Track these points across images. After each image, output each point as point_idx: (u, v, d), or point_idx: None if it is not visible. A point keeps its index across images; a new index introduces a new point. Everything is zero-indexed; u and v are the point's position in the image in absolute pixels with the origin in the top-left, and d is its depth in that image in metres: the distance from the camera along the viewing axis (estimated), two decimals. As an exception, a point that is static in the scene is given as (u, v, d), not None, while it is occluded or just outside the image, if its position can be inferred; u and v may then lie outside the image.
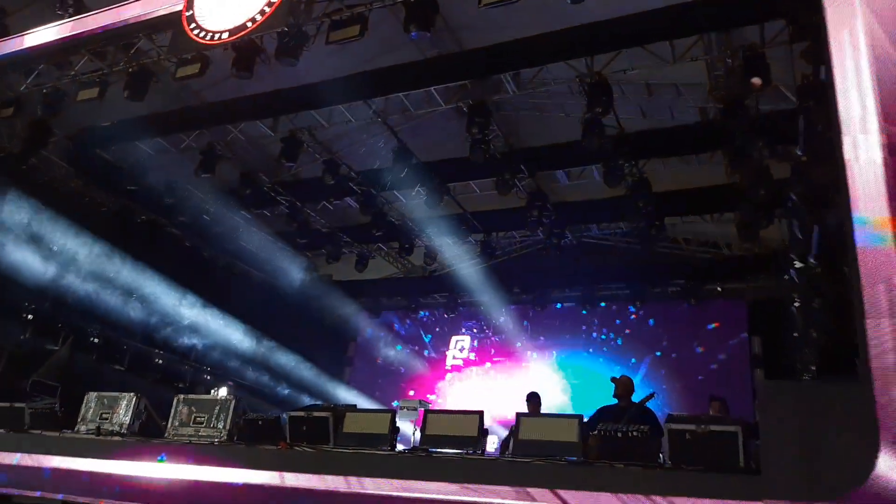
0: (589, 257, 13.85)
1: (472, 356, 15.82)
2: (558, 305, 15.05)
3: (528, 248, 14.99)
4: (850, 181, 4.49)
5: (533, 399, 8.10)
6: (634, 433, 4.45)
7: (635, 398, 6.86)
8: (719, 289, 13.38)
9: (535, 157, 11.23)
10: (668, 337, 13.86)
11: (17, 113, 10.02)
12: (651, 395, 6.57)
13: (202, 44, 7.77)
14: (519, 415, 4.98)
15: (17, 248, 10.72)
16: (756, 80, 7.79)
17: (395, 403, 11.28)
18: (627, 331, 14.23)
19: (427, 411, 5.40)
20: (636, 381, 7.28)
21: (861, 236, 4.36)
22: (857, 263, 4.28)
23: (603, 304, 14.46)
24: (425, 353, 16.36)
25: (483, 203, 12.96)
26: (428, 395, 15.55)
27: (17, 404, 7.34)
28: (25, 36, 9.54)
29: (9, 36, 9.66)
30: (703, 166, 11.33)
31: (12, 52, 9.54)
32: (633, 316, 14.27)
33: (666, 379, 13.50)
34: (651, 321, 14.13)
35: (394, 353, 16.54)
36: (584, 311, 14.51)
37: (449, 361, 16.00)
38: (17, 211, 10.77)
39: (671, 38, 8.40)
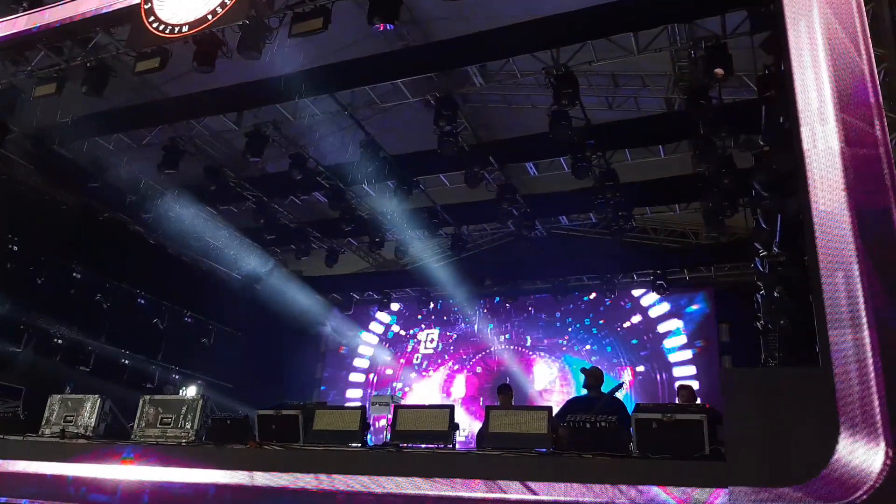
0: (559, 248, 13.94)
1: (442, 348, 15.86)
2: (530, 297, 15.15)
3: (499, 241, 15.04)
4: (808, 170, 4.58)
5: (504, 391, 8.13)
6: (603, 423, 4.50)
7: (605, 388, 6.92)
8: (687, 278, 13.59)
9: (503, 149, 11.23)
10: (639, 326, 14.05)
11: (-29, 110, 9.73)
12: (620, 386, 6.65)
13: (162, 37, 7.62)
14: (489, 408, 5.00)
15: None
16: (719, 71, 7.88)
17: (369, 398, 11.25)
18: (601, 321, 14.39)
19: (397, 406, 5.39)
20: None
21: (819, 224, 4.45)
22: (816, 252, 4.36)
23: (574, 294, 14.59)
24: (398, 347, 16.34)
25: (453, 196, 12.94)
26: (400, 390, 15.56)
27: (-24, 410, 7.18)
28: (-22, 30, 9.26)
29: (-40, 30, 9.35)
30: (670, 156, 11.47)
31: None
32: (604, 306, 14.44)
33: (637, 368, 13.71)
34: (622, 311, 14.31)
35: (366, 347, 16.50)
36: (556, 302, 14.63)
37: (420, 354, 16.02)
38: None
39: (635, 30, 8.48)
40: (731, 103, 9.46)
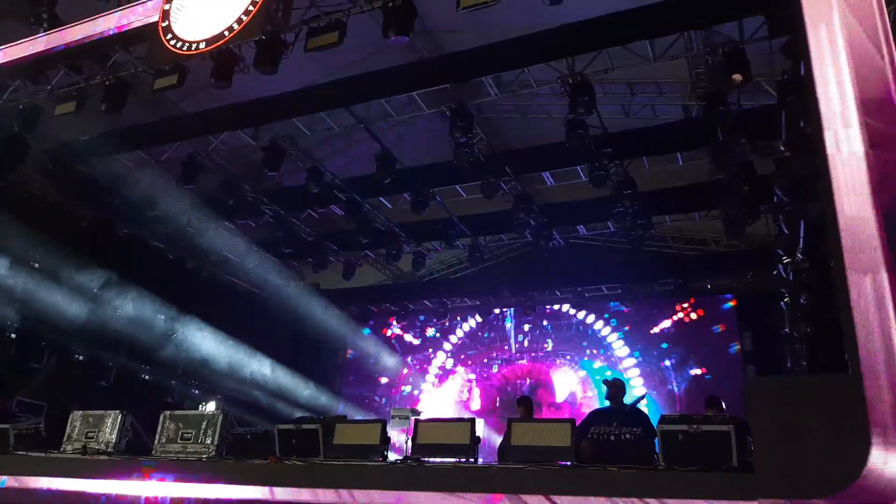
0: (577, 258, 13.84)
1: (458, 359, 15.79)
2: (546, 307, 15.07)
3: (517, 251, 14.97)
4: (832, 175, 4.49)
5: (524, 403, 8.03)
6: (627, 436, 4.42)
7: (628, 400, 6.82)
8: (709, 286, 13.43)
9: (519, 159, 11.21)
10: (660, 336, 13.89)
11: (-6, 128, 9.88)
12: (643, 397, 6.54)
13: (179, 54, 7.69)
14: (510, 421, 4.93)
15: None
16: (737, 77, 7.80)
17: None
18: (625, 329, 14.24)
19: (417, 420, 5.33)
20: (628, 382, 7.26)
21: (846, 230, 4.35)
22: (843, 257, 4.27)
23: (593, 304, 14.46)
24: (417, 359, 16.29)
25: (469, 207, 12.93)
26: (420, 403, 15.49)
27: (1, 425, 7.21)
28: (1, 51, 9.42)
29: (-17, 52, 9.52)
30: (688, 164, 11.37)
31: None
32: (623, 315, 14.31)
33: (659, 379, 13.54)
34: (641, 321, 14.16)
35: (385, 360, 16.46)
36: (575, 312, 14.52)
37: (436, 365, 15.98)
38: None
39: (651, 37, 8.41)
40: (749, 109, 9.37)
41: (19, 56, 9.34)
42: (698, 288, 13.46)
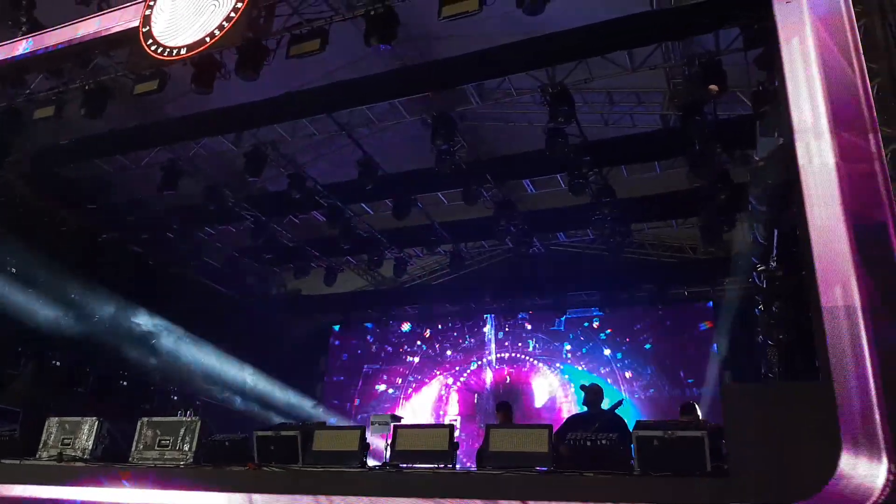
0: (558, 265, 13.95)
1: (438, 364, 15.83)
2: (527, 314, 15.15)
3: (498, 258, 15.05)
4: (804, 185, 4.60)
5: (503, 409, 8.07)
6: (603, 441, 4.47)
7: (605, 405, 6.89)
8: (686, 293, 13.60)
9: (501, 166, 11.29)
10: (638, 341, 14.03)
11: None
12: (619, 403, 6.61)
13: (160, 59, 7.67)
14: (489, 426, 4.97)
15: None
16: (713, 87, 7.95)
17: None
18: (600, 336, 14.37)
19: (397, 426, 5.34)
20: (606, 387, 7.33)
21: (817, 239, 4.46)
22: (814, 266, 4.37)
23: (572, 310, 14.58)
24: (396, 364, 16.28)
25: (451, 213, 12.97)
26: (398, 408, 15.50)
27: (-25, 432, 7.13)
28: (-23, 54, 9.33)
29: (-40, 54, 9.41)
30: (666, 172, 11.52)
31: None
32: (599, 321, 14.44)
33: (637, 384, 13.67)
34: (619, 327, 14.29)
35: (366, 366, 16.44)
36: (556, 318, 14.62)
37: (415, 371, 16.00)
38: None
39: (630, 48, 8.55)
40: (725, 119, 9.52)
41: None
42: (676, 294, 13.62)
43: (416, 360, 16.14)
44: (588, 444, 4.47)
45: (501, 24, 8.30)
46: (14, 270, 11.05)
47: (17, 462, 6.58)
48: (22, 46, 9.22)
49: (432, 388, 15.69)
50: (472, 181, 11.04)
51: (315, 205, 12.33)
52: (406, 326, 16.48)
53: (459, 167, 10.56)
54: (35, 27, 9.37)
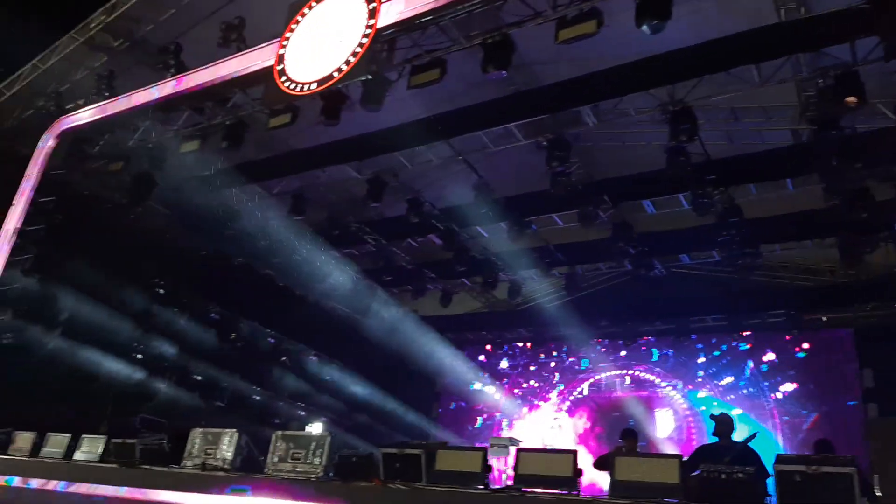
0: (680, 288, 13.40)
1: (553, 388, 15.61)
2: (647, 338, 14.66)
3: (615, 280, 14.70)
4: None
5: (629, 436, 7.85)
6: (740, 475, 4.24)
7: (737, 437, 6.55)
8: (824, 318, 12.65)
9: (618, 186, 11.06)
10: (770, 368, 13.20)
11: (126, 167, 10.82)
12: (754, 436, 6.25)
13: (293, 95, 8.17)
14: (615, 454, 4.86)
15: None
16: (851, 100, 7.46)
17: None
18: (728, 362, 13.65)
19: (519, 450, 5.33)
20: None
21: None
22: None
23: (697, 335, 13.92)
24: (512, 388, 16.22)
25: (566, 235, 12.87)
26: (509, 431, 15.41)
27: (129, 440, 7.77)
28: (132, 95, 10.33)
29: (117, 96, 10.48)
30: (799, 190, 10.87)
31: (121, 111, 10.35)
32: (727, 347, 13.72)
33: (770, 413, 12.86)
34: (749, 353, 13.52)
35: (481, 388, 16.49)
36: (680, 343, 14.04)
37: (529, 394, 15.86)
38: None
39: (756, 62, 8.18)
40: (865, 132, 8.89)
41: (149, 99, 10.21)
42: (812, 321, 12.71)
43: (530, 382, 16.02)
44: (723, 476, 4.25)
45: (616, 47, 8.23)
46: (161, 291, 12.09)
47: (166, 469, 7.12)
48: (170, 87, 10.13)
49: (544, 412, 15.50)
50: (588, 202, 10.92)
51: (432, 228, 12.63)
52: (519, 349, 16.41)
53: (575, 188, 10.47)
54: (181, 69, 10.28)
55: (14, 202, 10.62)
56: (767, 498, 4.43)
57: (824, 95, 8.33)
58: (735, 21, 7.60)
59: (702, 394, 13.70)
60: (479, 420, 16.24)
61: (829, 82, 7.96)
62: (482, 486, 5.25)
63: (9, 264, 10.20)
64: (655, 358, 14.50)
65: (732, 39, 7.46)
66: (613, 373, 14.99)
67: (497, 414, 16.11)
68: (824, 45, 7.70)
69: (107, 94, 10.46)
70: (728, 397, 13.32)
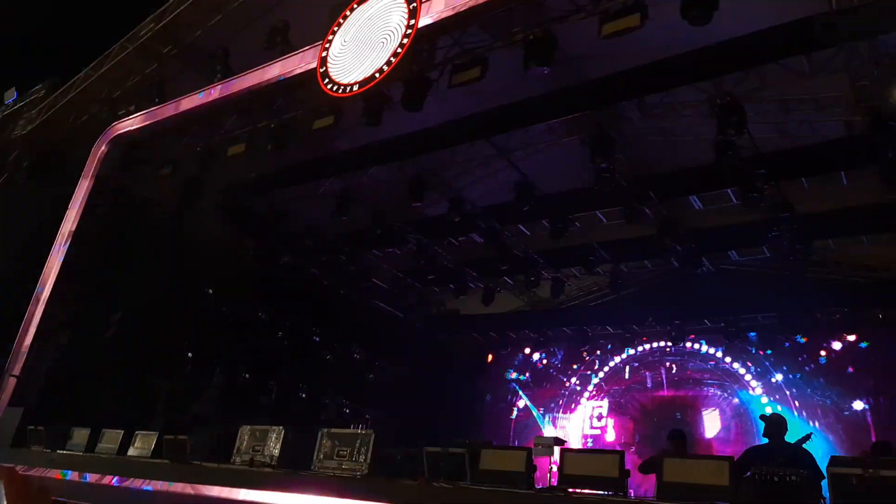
0: (729, 285, 13.06)
1: (596, 386, 15.44)
2: (695, 336, 14.37)
3: (661, 278, 14.44)
4: None
5: (677, 437, 7.69)
6: (793, 478, 4.11)
7: (789, 437, 6.37)
8: (881, 315, 12.19)
9: (664, 182, 10.88)
10: (825, 368, 12.80)
11: (175, 172, 11.09)
12: (808, 437, 6.06)
13: (336, 97, 8.25)
14: (663, 455, 4.77)
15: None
16: (909, 89, 7.16)
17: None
18: (781, 361, 13.28)
19: (564, 450, 5.28)
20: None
21: None
22: None
23: (748, 334, 13.56)
24: (555, 386, 16.11)
25: (610, 232, 12.68)
26: (560, 431, 15.30)
27: (180, 436, 7.97)
28: (181, 100, 10.58)
29: (167, 101, 10.76)
30: (854, 183, 10.48)
31: (170, 116, 10.62)
32: (777, 345, 13.36)
33: (821, 419, 12.47)
34: (802, 351, 13.13)
35: (523, 387, 16.42)
36: (729, 342, 13.72)
37: (571, 393, 15.73)
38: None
39: (809, 52, 7.91)
40: (922, 122, 8.51)
41: (197, 104, 10.45)
42: (869, 318, 12.25)
43: (573, 380, 15.89)
44: (776, 479, 4.13)
45: (661, 38, 8.05)
46: (211, 291, 12.37)
47: (216, 465, 7.28)
48: (217, 91, 10.33)
49: (587, 411, 15.35)
50: (632, 199, 10.75)
51: (473, 227, 12.62)
52: (561, 347, 16.29)
53: (619, 185, 10.32)
54: (228, 73, 10.48)
55: (69, 206, 11.00)
56: (822, 501, 4.29)
57: (879, 85, 8.02)
58: (783, 9, 7.36)
59: (751, 393, 13.37)
60: (522, 418, 16.17)
61: (884, 71, 7.65)
62: (527, 487, 5.21)
63: (63, 266, 10.54)
64: (703, 356, 14.20)
65: (781, 29, 7.23)
66: (659, 371, 14.75)
67: (538, 412, 16.02)
68: (879, 33, 7.40)
69: (157, 99, 10.73)
70: (776, 396, 12.97)
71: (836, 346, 12.71)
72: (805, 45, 7.58)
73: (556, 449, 6.17)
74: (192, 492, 7.00)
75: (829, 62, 8.13)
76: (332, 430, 6.65)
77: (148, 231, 11.60)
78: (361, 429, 8.26)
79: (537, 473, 5.50)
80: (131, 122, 11.04)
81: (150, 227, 11.69)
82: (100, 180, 11.17)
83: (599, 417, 15.12)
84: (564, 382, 16.01)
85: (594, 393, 15.49)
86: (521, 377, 16.56)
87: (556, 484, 5.11)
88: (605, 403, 15.21)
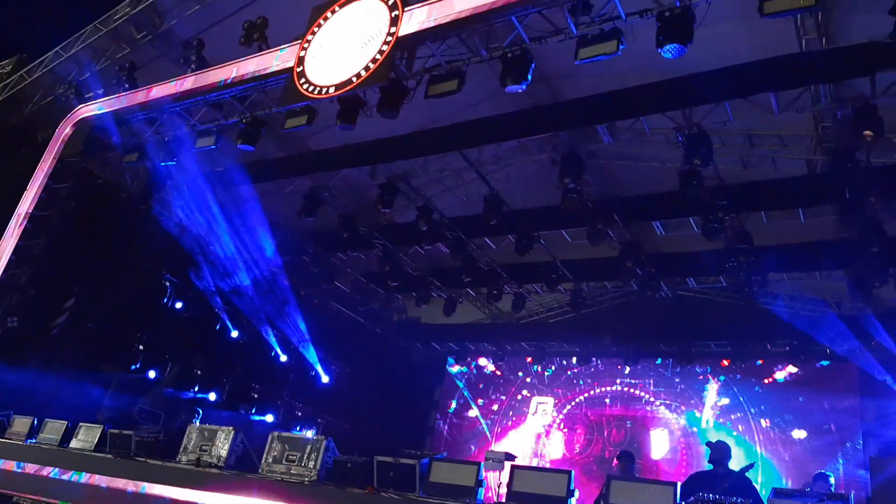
0: (686, 311, 13.33)
1: (549, 405, 15.57)
2: (648, 359, 14.61)
3: (620, 300, 14.66)
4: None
5: (625, 458, 7.79)
6: (734, 505, 4.22)
7: (733, 466, 6.50)
8: (828, 350, 12.57)
9: (629, 206, 11.05)
10: (770, 398, 13.13)
11: (141, 158, 10.88)
12: (751, 466, 6.20)
13: (310, 97, 8.21)
14: (610, 477, 4.83)
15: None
16: (868, 133, 7.42)
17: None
18: (730, 388, 13.58)
19: (515, 466, 5.31)
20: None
21: None
22: None
23: (700, 359, 13.87)
24: (508, 399, 16.20)
25: (574, 252, 12.81)
26: (510, 444, 15.37)
27: (125, 431, 7.77)
28: (152, 88, 10.40)
29: (137, 88, 10.56)
30: (811, 220, 10.79)
31: (140, 103, 10.42)
32: (730, 373, 13.66)
33: (766, 446, 12.78)
34: (750, 381, 13.45)
35: (479, 399, 16.47)
36: (681, 367, 13.99)
37: (521, 407, 15.87)
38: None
39: (777, 90, 8.14)
40: (880, 166, 8.83)
41: (169, 93, 10.27)
42: (816, 351, 12.62)
43: (524, 392, 16.04)
44: (717, 507, 4.23)
45: (635, 65, 8.20)
46: (167, 284, 12.14)
47: (160, 463, 7.11)
48: (189, 82, 10.18)
49: (536, 423, 15.49)
50: (598, 220, 10.90)
51: (440, 237, 12.64)
52: (519, 362, 16.39)
53: (585, 206, 10.45)
54: (202, 65, 10.33)
55: (28, 187, 10.70)
56: (762, 531, 4.40)
57: (841, 126, 8.31)
58: (756, 47, 7.59)
59: (698, 415, 13.64)
60: (473, 431, 16.20)
61: (847, 113, 7.92)
62: (474, 501, 5.23)
63: (18, 248, 10.25)
64: (655, 378, 14.45)
65: (753, 66, 7.44)
66: (611, 389, 14.95)
67: (487, 422, 16.10)
68: (846, 78, 7.67)
69: (127, 85, 10.52)
70: (722, 420, 13.27)
71: (785, 375, 13.04)
72: (773, 84, 7.81)
73: (507, 464, 6.19)
74: (133, 489, 6.83)
75: (795, 101, 8.37)
76: (283, 434, 6.56)
77: (110, 218, 11.35)
78: (315, 434, 8.16)
79: (486, 487, 5.52)
80: (98, 106, 10.80)
81: (112, 213, 11.44)
82: (62, 163, 10.90)
83: (548, 431, 15.24)
84: (517, 395, 16.11)
85: (545, 408, 15.59)
86: (473, 387, 16.61)
87: (503, 500, 5.13)
88: (555, 416, 15.33)
